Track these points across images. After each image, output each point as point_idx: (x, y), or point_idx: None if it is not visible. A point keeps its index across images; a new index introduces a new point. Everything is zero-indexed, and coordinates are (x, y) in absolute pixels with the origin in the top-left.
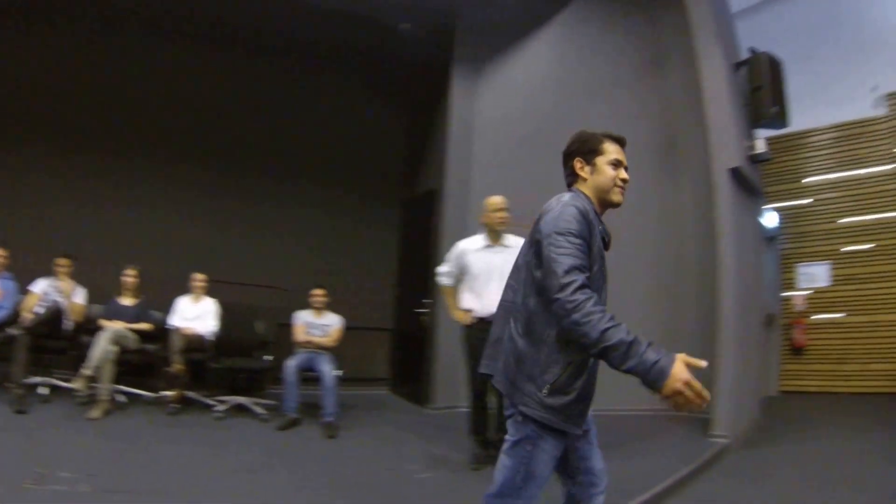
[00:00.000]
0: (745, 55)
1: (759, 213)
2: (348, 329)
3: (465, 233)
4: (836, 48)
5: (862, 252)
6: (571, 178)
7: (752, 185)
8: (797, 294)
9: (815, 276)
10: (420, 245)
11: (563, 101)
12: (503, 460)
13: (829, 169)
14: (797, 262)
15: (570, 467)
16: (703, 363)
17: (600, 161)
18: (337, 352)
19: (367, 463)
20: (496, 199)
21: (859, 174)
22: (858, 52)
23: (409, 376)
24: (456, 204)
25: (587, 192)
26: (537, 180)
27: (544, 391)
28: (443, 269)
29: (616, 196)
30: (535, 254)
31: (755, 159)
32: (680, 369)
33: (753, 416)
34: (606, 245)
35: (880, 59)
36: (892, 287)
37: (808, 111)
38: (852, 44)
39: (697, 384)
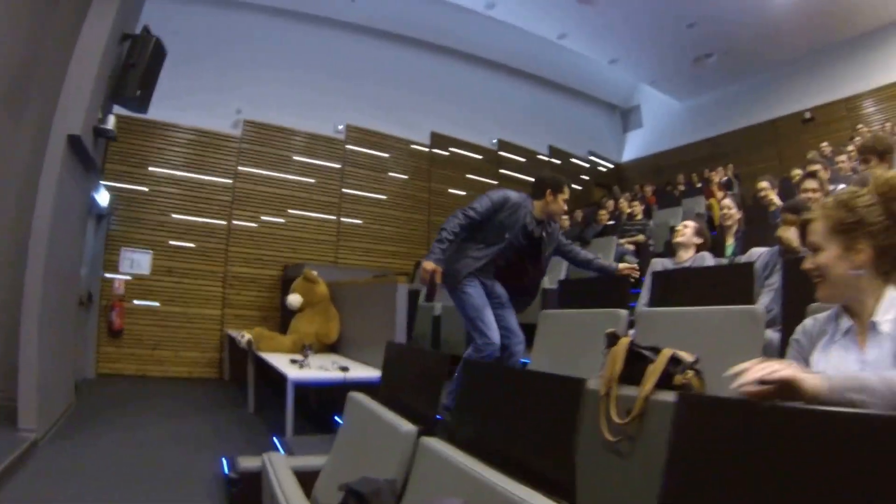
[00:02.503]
0: (138, 31)
1: (91, 188)
2: None
3: None
4: (220, 63)
5: (185, 249)
6: (538, 196)
7: (90, 158)
8: (118, 277)
9: (137, 262)
10: None
11: None
12: None
13: (175, 165)
14: (123, 246)
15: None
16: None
17: (560, 197)
18: None
19: None
20: None
21: (201, 178)
22: (235, 75)
23: None
24: None
25: (542, 207)
26: None
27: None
28: None
29: (561, 220)
30: None
31: (100, 133)
32: (430, 266)
33: (67, 402)
34: (529, 235)
35: (249, 90)
36: (205, 284)
37: (174, 106)
38: (233, 65)
39: (433, 280)
